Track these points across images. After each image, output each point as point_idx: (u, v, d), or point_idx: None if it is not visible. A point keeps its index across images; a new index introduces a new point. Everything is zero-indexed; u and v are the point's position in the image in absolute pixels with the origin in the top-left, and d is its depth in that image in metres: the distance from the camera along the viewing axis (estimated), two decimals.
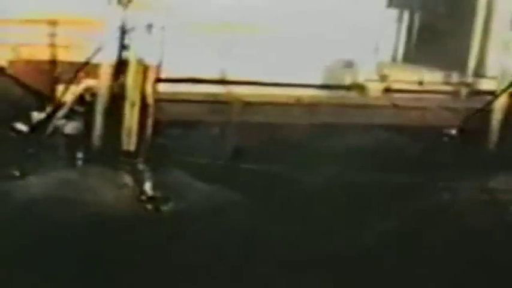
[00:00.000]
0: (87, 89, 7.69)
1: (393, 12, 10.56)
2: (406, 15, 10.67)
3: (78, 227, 5.97)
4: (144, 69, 7.47)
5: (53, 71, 8.26)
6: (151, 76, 7.51)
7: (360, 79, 9.08)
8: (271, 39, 9.11)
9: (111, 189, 6.84)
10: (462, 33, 9.49)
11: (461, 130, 8.42)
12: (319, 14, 9.31)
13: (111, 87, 7.43)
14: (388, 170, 7.57)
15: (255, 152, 7.83)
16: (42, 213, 6.21)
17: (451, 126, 8.49)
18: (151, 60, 7.42)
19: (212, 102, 8.40)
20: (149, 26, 7.40)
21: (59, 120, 7.54)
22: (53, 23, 8.38)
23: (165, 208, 6.78)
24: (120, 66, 7.42)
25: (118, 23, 7.39)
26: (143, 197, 6.92)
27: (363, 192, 7.18)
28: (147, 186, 7.08)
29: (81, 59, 8.13)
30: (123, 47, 7.41)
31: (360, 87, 8.91)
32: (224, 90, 8.54)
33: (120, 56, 7.41)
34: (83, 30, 8.45)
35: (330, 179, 7.42)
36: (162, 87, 7.69)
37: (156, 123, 7.55)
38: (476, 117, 8.56)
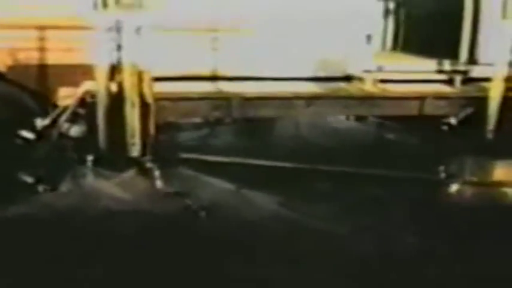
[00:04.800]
0: (87, 91, 7.72)
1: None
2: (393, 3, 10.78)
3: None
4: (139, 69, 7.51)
5: (52, 75, 8.27)
6: (147, 76, 7.55)
7: (356, 70, 9.12)
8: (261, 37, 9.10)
9: (125, 189, 6.91)
10: (452, 21, 9.55)
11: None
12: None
13: (109, 89, 7.47)
14: None
15: None
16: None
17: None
18: (143, 61, 7.43)
19: (211, 99, 8.46)
20: (138, 29, 7.43)
21: (63, 124, 7.57)
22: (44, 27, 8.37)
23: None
24: (114, 67, 7.45)
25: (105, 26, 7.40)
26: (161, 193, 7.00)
27: None
28: (159, 183, 7.16)
29: (77, 61, 8.18)
30: (114, 48, 7.44)
31: (357, 79, 8.98)
32: (221, 87, 8.59)
33: (112, 57, 7.44)
34: (74, 32, 8.45)
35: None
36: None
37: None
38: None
